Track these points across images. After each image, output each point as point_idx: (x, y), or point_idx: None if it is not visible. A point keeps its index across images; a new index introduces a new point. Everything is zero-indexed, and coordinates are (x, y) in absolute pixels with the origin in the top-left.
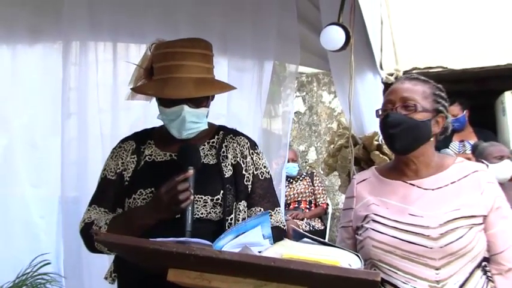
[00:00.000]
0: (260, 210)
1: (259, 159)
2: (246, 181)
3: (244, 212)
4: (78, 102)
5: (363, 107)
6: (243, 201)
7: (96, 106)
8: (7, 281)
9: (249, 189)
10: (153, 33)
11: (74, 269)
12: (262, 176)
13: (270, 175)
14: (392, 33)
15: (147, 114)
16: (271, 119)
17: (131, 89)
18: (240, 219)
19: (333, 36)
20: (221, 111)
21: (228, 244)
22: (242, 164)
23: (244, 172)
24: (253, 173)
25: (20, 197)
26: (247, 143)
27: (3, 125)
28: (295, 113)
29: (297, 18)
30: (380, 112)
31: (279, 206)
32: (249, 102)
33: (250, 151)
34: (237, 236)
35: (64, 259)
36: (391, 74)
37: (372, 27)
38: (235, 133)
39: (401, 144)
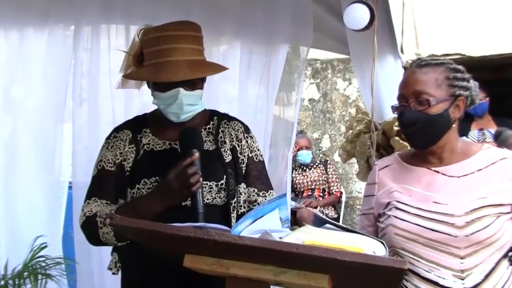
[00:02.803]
0: (254, 190)
1: (253, 142)
2: (241, 163)
3: (244, 194)
4: (89, 88)
5: (383, 92)
6: (242, 184)
7: (109, 92)
8: (13, 267)
9: (243, 171)
10: (166, 15)
11: (84, 255)
12: (256, 159)
13: (263, 158)
14: (414, 16)
15: None
16: (284, 106)
17: (124, 76)
18: (241, 202)
19: (357, 15)
20: (233, 94)
21: (246, 229)
22: (237, 147)
23: (239, 155)
24: (248, 155)
25: (25, 182)
26: (241, 127)
27: (10, 109)
28: (309, 100)
29: None
30: (395, 108)
31: (273, 189)
32: (261, 85)
33: (245, 135)
34: (254, 221)
35: (75, 245)
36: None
37: (394, 8)
38: (229, 118)
39: (421, 142)
